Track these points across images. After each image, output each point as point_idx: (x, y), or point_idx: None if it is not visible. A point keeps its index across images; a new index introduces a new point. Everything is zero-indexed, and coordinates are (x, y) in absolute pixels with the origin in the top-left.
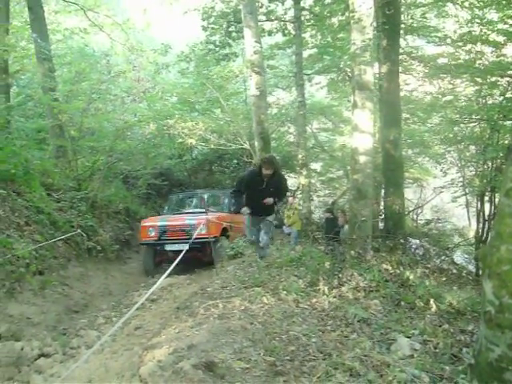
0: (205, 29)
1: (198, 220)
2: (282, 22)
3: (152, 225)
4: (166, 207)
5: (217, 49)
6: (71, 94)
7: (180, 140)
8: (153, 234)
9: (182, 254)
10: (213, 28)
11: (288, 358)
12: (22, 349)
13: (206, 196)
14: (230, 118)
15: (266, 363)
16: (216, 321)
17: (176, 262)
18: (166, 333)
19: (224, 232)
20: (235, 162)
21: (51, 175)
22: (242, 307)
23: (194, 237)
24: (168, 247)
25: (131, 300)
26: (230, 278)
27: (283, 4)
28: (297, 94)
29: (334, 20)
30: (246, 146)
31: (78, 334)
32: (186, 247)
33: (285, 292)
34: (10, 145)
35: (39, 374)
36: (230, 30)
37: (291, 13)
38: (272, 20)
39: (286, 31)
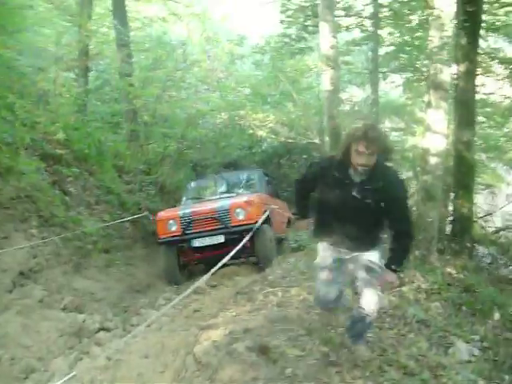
0: (282, 22)
1: (233, 202)
2: (360, 18)
3: (172, 215)
4: (184, 198)
5: (292, 42)
6: (147, 80)
7: (250, 131)
8: (174, 227)
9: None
10: (290, 21)
11: (342, 350)
12: (83, 321)
13: (232, 178)
14: (301, 112)
15: (320, 353)
16: (274, 308)
17: (227, 258)
18: (223, 315)
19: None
20: (304, 156)
21: (123, 157)
22: (301, 297)
23: (240, 222)
24: (196, 242)
25: (193, 284)
26: (290, 269)
27: None
28: (371, 92)
29: (413, 18)
30: (317, 141)
31: (139, 313)
32: (221, 239)
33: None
34: (85, 126)
35: (99, 346)
36: (307, 23)
37: (369, 9)
38: (350, 16)
39: (364, 27)
